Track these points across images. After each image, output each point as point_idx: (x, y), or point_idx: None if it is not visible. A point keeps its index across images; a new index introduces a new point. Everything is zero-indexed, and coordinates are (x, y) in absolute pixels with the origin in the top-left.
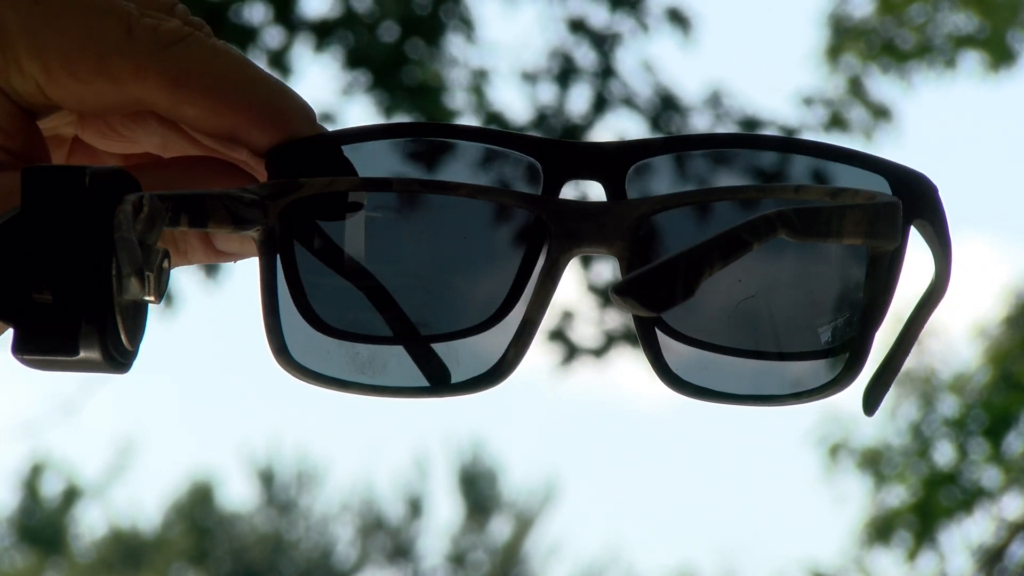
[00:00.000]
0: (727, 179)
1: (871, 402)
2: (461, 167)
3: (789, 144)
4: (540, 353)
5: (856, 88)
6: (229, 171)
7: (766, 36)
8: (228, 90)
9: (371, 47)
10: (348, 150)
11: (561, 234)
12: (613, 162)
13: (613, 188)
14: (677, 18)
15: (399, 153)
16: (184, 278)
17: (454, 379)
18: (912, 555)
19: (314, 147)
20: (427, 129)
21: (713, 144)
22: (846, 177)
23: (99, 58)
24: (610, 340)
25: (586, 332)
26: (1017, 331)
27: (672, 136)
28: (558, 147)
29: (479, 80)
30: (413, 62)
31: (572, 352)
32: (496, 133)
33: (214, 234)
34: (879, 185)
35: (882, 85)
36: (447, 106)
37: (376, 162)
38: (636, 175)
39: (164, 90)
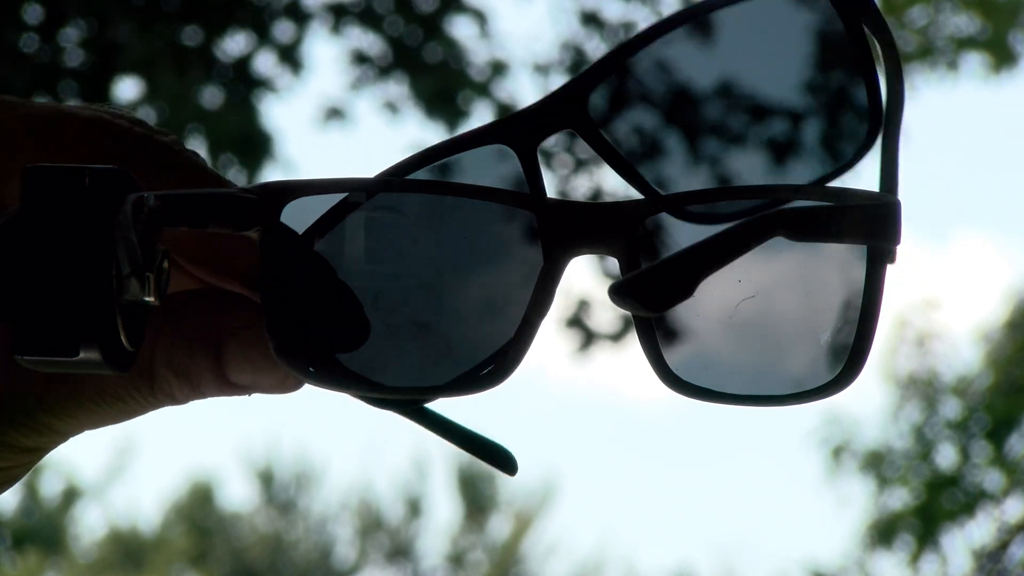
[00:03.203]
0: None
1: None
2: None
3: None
4: (543, 349)
5: None
6: (226, 298)
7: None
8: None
9: (391, 32)
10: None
11: (561, 235)
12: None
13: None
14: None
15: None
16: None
17: (453, 379)
18: (914, 558)
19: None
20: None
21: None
22: None
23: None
24: (627, 324)
25: (603, 318)
26: (1019, 334)
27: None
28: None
29: (493, 73)
30: (424, 54)
31: (589, 338)
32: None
33: (227, 365)
34: None
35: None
36: (460, 106)
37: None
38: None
39: None
